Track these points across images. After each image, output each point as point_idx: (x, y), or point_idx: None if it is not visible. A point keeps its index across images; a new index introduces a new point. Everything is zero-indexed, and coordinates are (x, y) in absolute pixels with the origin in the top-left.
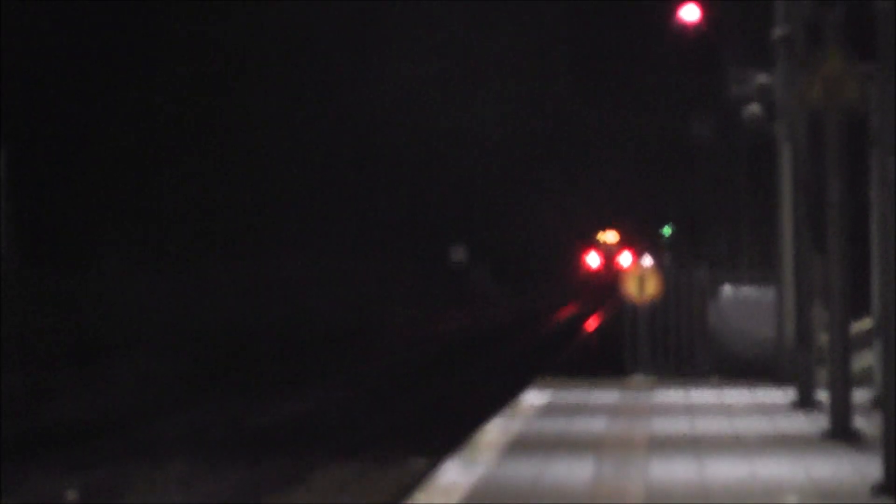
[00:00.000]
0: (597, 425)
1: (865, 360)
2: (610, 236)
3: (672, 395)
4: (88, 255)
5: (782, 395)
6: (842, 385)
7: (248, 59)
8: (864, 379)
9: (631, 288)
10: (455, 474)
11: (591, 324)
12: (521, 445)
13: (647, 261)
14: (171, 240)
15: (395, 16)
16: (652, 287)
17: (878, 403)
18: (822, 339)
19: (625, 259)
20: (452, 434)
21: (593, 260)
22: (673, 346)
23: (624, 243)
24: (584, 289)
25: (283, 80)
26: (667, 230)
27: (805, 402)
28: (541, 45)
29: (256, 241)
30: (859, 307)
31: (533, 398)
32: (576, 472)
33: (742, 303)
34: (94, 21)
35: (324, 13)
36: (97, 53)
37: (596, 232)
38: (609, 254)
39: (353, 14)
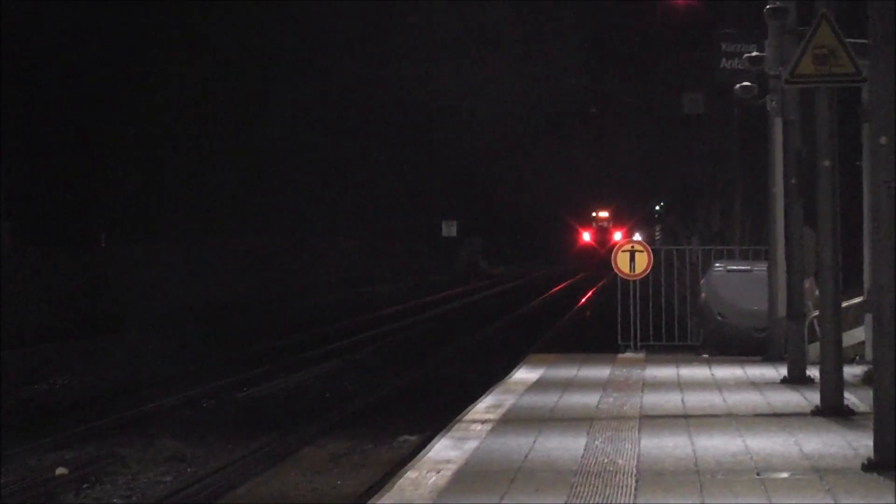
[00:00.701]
0: (588, 400)
1: (858, 336)
2: (603, 213)
3: (663, 370)
4: (83, 232)
5: (774, 372)
6: (833, 361)
7: (247, 39)
8: (856, 355)
9: (621, 264)
10: (447, 450)
11: (586, 297)
12: (512, 421)
13: (638, 237)
14: (164, 216)
15: None
16: (642, 263)
17: (869, 379)
18: (814, 314)
19: (617, 236)
20: (444, 409)
21: (587, 236)
22: (664, 322)
23: (617, 220)
24: (580, 263)
25: (279, 56)
26: (658, 207)
27: (797, 379)
28: (533, 22)
29: (251, 218)
30: (851, 282)
31: (524, 374)
32: (567, 446)
33: (733, 278)
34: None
35: None
36: (96, 36)
37: (591, 209)
38: (603, 230)
39: None
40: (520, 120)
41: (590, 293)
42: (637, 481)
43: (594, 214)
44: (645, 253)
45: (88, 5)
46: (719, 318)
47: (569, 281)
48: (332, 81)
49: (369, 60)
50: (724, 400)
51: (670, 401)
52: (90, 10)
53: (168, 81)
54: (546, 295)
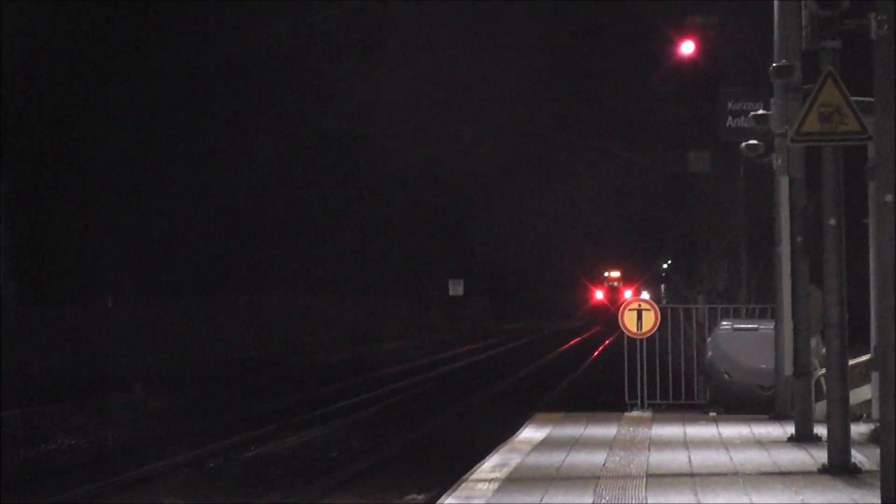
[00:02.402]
0: (594, 459)
1: (864, 394)
2: (614, 273)
3: (670, 429)
4: (85, 290)
5: (781, 430)
6: (840, 419)
7: (244, 87)
8: (863, 413)
9: (628, 323)
10: None
11: (597, 352)
12: (519, 480)
13: (645, 295)
14: (169, 275)
15: (390, 44)
16: (650, 322)
17: (875, 437)
18: (821, 372)
19: (626, 294)
20: (450, 469)
21: (600, 294)
22: (671, 380)
23: (627, 279)
24: (592, 319)
25: (281, 107)
26: (665, 265)
27: (803, 437)
28: (538, 83)
29: (257, 277)
30: (858, 340)
31: (530, 433)
32: None
33: (740, 337)
34: (89, 37)
35: (318, 39)
36: (91, 74)
37: (602, 269)
38: (614, 289)
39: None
40: (528, 178)
41: (600, 348)
42: None
43: (606, 274)
44: (652, 311)
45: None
46: (726, 376)
47: (581, 337)
48: (340, 141)
49: (369, 117)
50: (731, 458)
51: (676, 459)
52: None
53: (171, 137)
54: (556, 351)
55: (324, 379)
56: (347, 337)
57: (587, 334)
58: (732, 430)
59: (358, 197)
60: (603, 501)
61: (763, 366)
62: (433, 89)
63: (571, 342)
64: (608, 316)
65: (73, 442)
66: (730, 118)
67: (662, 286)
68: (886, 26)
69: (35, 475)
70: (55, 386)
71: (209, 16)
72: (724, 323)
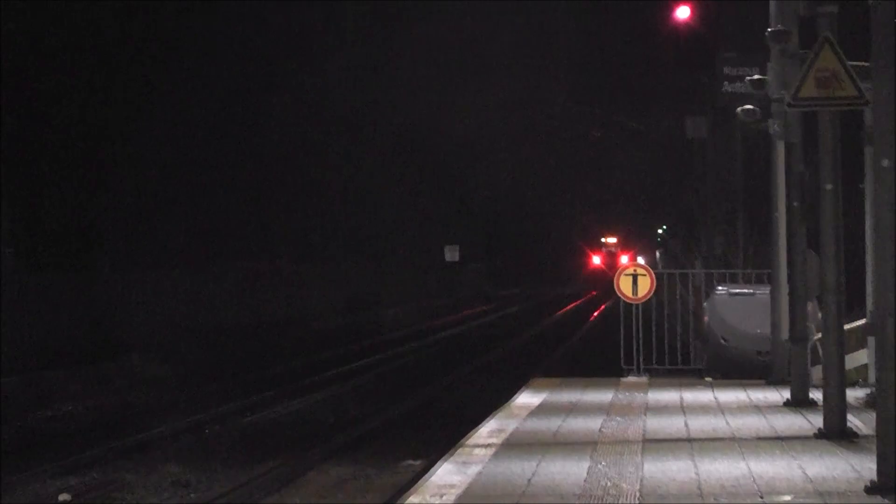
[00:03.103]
0: (591, 424)
1: (861, 359)
2: (612, 239)
3: (666, 394)
4: (85, 256)
5: (777, 395)
6: (836, 384)
7: (250, 59)
8: (859, 377)
9: (624, 288)
10: (449, 475)
11: (594, 315)
12: (515, 445)
13: (641, 260)
14: (165, 241)
15: (403, 22)
16: (645, 287)
17: (872, 402)
18: (817, 337)
19: (624, 259)
20: (446, 435)
21: (598, 259)
22: (667, 345)
23: (624, 245)
24: (591, 285)
25: (282, 79)
26: (661, 230)
27: (800, 402)
28: (539, 48)
29: (253, 242)
30: (855, 305)
31: (527, 398)
32: (570, 471)
33: (736, 302)
34: (94, 21)
35: (328, 22)
36: (97, 53)
37: (600, 234)
38: (611, 254)
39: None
40: (525, 145)
41: (596, 313)
42: None
43: (603, 240)
44: (648, 277)
45: (88, 27)
46: (722, 341)
47: (579, 301)
48: (335, 105)
49: (371, 83)
50: (728, 423)
51: (673, 425)
52: (89, 33)
53: (167, 108)
54: (554, 316)
55: (321, 345)
56: (344, 303)
57: (585, 299)
58: (729, 395)
59: (355, 160)
60: (600, 466)
61: (759, 331)
62: (437, 54)
63: (569, 306)
64: (605, 281)
65: (70, 408)
66: (726, 83)
67: (658, 252)
68: None
69: (33, 441)
70: (53, 353)
71: None
72: (721, 288)
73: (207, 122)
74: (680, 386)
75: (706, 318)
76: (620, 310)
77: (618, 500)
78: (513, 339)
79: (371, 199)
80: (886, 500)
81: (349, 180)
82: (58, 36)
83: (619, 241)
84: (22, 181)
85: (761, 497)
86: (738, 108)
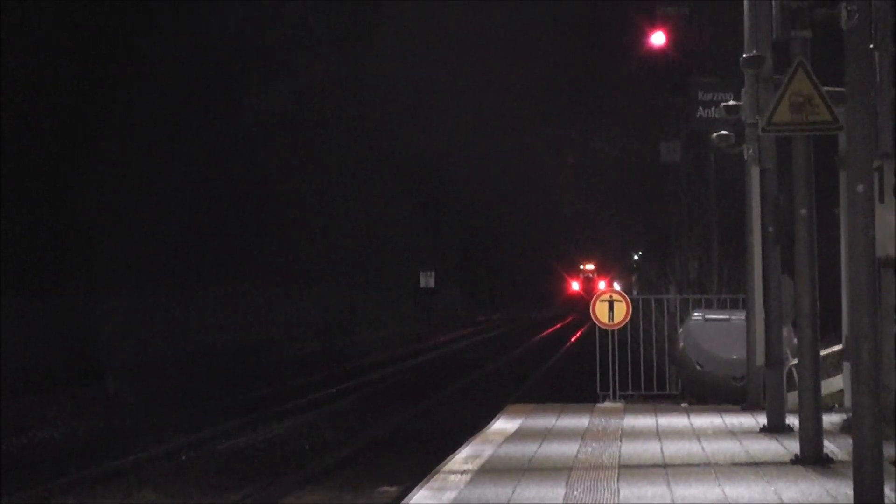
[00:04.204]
0: (567, 450)
1: (836, 384)
2: (589, 266)
3: (642, 420)
4: (60, 279)
5: (753, 420)
6: (812, 409)
7: (226, 77)
8: (835, 403)
9: (600, 314)
10: (425, 500)
11: (572, 339)
12: (491, 471)
13: (617, 286)
14: (142, 263)
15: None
16: (621, 313)
17: (847, 427)
18: (793, 362)
19: (600, 285)
20: (422, 461)
21: (576, 285)
22: (643, 371)
23: (601, 271)
24: (569, 309)
25: (262, 105)
26: (636, 256)
27: (775, 427)
28: (514, 72)
29: (229, 268)
30: (830, 330)
31: (502, 424)
32: (546, 497)
33: (712, 327)
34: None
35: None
36: (84, 74)
37: (579, 261)
38: (589, 280)
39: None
40: (502, 168)
41: (573, 338)
42: None
43: (581, 267)
44: (623, 302)
45: (64, 54)
46: (698, 367)
47: (557, 326)
48: (316, 130)
49: (347, 102)
50: (703, 449)
51: (649, 450)
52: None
53: (140, 129)
54: (531, 341)
55: (297, 370)
56: (320, 328)
57: (563, 323)
58: (705, 421)
59: (328, 186)
60: (575, 493)
61: (735, 356)
62: (413, 75)
63: (547, 331)
64: (584, 305)
65: (46, 435)
66: (701, 108)
67: (633, 277)
68: (857, 16)
69: (7, 468)
70: (28, 378)
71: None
72: (696, 313)
73: (181, 145)
74: (655, 411)
75: (681, 344)
76: (596, 336)
77: None
78: (489, 363)
79: (346, 224)
80: None
81: (325, 204)
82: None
83: (595, 267)
84: (12, 200)
85: None
86: (713, 134)
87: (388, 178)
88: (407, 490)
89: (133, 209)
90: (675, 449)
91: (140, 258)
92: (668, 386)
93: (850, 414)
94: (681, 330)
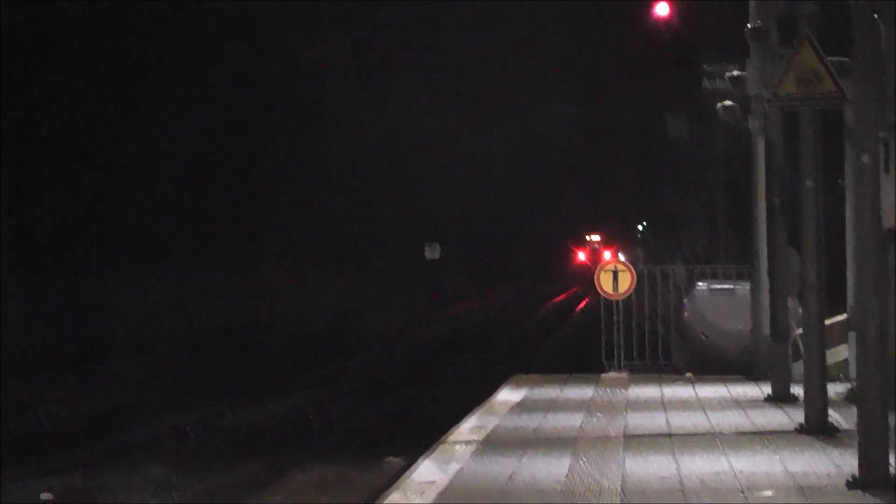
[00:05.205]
0: (572, 422)
1: (841, 354)
2: (595, 237)
3: (647, 390)
4: (69, 261)
5: (758, 391)
6: (817, 379)
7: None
8: (839, 373)
9: (605, 284)
10: (430, 472)
11: (579, 307)
12: (496, 443)
13: (622, 257)
14: (149, 245)
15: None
16: (626, 283)
17: (853, 397)
18: (798, 332)
19: (606, 255)
20: (428, 432)
21: (583, 255)
22: (648, 342)
23: (607, 242)
24: (577, 280)
25: (259, 83)
26: (642, 227)
27: (780, 397)
28: (519, 49)
29: (238, 248)
30: (835, 301)
31: (507, 395)
32: (551, 468)
33: (717, 298)
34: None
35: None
36: (90, 55)
37: (585, 231)
38: (595, 251)
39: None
40: (509, 144)
41: (581, 305)
42: (622, 501)
43: (588, 238)
44: (628, 272)
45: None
46: (703, 337)
47: (563, 296)
48: (317, 112)
49: (352, 85)
50: (708, 419)
51: (654, 421)
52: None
53: (141, 113)
54: (540, 310)
55: (303, 348)
56: (327, 305)
57: (569, 293)
58: (709, 391)
59: (336, 157)
60: (581, 463)
61: (740, 326)
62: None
63: (554, 300)
64: (590, 275)
65: (54, 412)
66: (706, 81)
67: (639, 249)
68: None
69: (17, 445)
70: (36, 357)
71: None
72: (701, 284)
73: (186, 122)
74: (660, 382)
75: (686, 314)
76: (601, 306)
77: (599, 497)
78: (496, 336)
79: (352, 196)
80: (867, 495)
81: (330, 177)
82: (50, 38)
83: (602, 238)
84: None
85: (742, 493)
86: (718, 105)
87: (391, 149)
88: (412, 461)
89: (139, 188)
90: (681, 419)
91: (146, 238)
92: (673, 356)
93: (855, 384)
94: (686, 300)
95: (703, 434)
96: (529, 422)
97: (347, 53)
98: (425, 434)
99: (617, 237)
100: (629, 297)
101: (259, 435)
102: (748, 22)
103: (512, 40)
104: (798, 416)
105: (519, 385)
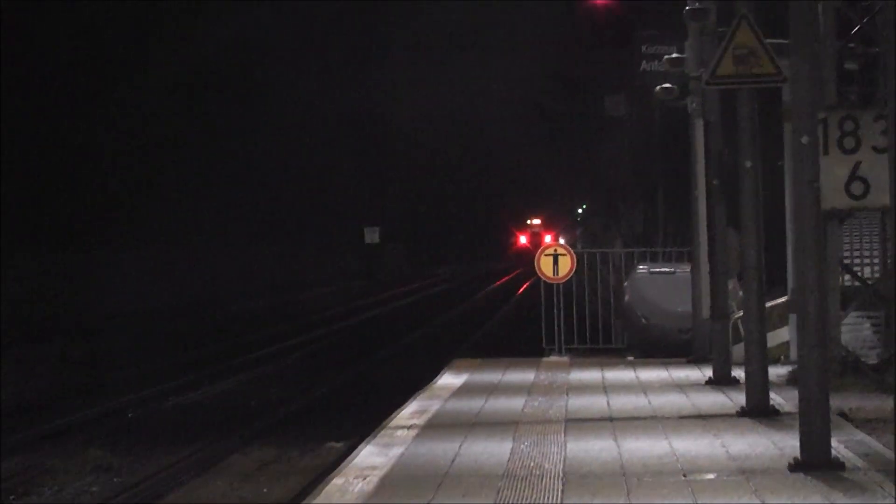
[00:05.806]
0: (513, 404)
1: (782, 336)
2: (536, 221)
3: (588, 374)
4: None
5: (699, 373)
6: (758, 361)
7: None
8: (780, 355)
9: (545, 268)
10: (372, 456)
11: (519, 291)
12: (438, 426)
13: (562, 240)
14: (85, 224)
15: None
16: (566, 267)
17: (793, 379)
18: (738, 315)
19: (547, 239)
20: (369, 416)
21: (524, 239)
22: (589, 325)
23: (548, 225)
24: (517, 262)
25: (202, 59)
26: (580, 210)
27: (722, 380)
28: (462, 27)
29: (170, 226)
30: (776, 282)
31: (449, 379)
32: (493, 451)
33: (657, 280)
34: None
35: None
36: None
37: (526, 215)
38: (536, 234)
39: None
40: (451, 124)
41: (521, 290)
42: (564, 484)
43: (528, 221)
44: (568, 256)
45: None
46: (643, 320)
47: (505, 279)
48: (263, 89)
49: (303, 65)
50: (650, 402)
51: (595, 404)
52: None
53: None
54: (479, 294)
55: (242, 328)
56: (264, 285)
57: (510, 277)
58: (651, 374)
59: (272, 143)
60: (523, 447)
61: (680, 309)
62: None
63: (495, 284)
64: (531, 258)
65: None
66: (644, 62)
67: (578, 231)
68: None
69: None
70: None
71: None
72: (641, 267)
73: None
74: (601, 365)
75: (627, 297)
76: (541, 290)
77: (541, 480)
78: (435, 318)
79: (288, 179)
80: (809, 477)
81: (269, 161)
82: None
83: (542, 221)
84: None
85: (684, 475)
86: (657, 87)
87: (331, 133)
88: (354, 445)
89: (77, 168)
90: (622, 402)
91: (85, 218)
92: (613, 339)
93: (796, 366)
94: (626, 283)
95: (644, 417)
96: (471, 405)
97: (290, 26)
98: (367, 418)
99: (557, 221)
100: (570, 280)
101: (199, 417)
102: (687, 2)
103: (454, 23)
104: (739, 398)
105: (460, 369)
